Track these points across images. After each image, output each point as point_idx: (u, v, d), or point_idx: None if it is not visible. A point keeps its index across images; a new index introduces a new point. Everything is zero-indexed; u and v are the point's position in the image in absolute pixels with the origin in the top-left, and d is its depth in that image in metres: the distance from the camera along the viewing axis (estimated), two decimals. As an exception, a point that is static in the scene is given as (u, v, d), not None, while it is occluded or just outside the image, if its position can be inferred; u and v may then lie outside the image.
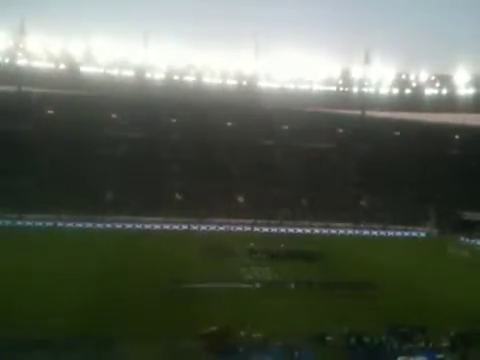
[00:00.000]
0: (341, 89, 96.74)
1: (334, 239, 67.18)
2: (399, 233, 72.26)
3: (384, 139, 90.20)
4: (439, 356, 26.82)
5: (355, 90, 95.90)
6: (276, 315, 32.84)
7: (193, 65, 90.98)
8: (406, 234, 72.50)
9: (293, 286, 40.24)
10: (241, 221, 70.37)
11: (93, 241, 55.09)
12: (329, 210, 73.17)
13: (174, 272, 40.01)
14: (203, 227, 68.50)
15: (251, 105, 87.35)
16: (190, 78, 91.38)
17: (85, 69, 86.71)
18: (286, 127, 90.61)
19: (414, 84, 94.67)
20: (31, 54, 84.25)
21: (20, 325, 28.76)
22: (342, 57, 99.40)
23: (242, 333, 27.51)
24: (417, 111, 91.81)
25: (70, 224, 65.28)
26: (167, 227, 67.34)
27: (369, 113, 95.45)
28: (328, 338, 28.52)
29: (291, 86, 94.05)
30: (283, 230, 70.40)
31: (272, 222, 71.44)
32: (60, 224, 65.05)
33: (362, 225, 73.31)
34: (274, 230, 70.25)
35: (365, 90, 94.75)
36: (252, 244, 54.73)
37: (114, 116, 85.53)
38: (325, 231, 71.26)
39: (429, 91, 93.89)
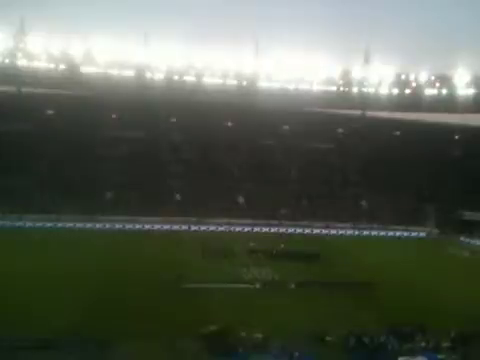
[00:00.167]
0: (341, 89, 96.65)
1: (334, 239, 67.18)
2: (399, 233, 72.19)
3: (384, 139, 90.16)
4: (439, 356, 26.84)
5: (355, 90, 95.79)
6: (276, 315, 32.86)
7: (193, 65, 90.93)
8: (406, 234, 72.45)
9: (293, 286, 40.28)
10: (241, 221, 70.34)
11: (93, 241, 55.07)
12: (329, 210, 73.20)
13: (174, 272, 40.04)
14: (203, 227, 68.43)
15: (251, 105, 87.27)
16: (190, 78, 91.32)
17: (85, 69, 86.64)
18: (286, 127, 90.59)
19: (414, 84, 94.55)
20: (31, 54, 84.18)
21: (21, 325, 28.77)
22: (342, 57, 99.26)
23: (242, 333, 27.54)
24: (417, 111, 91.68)
25: (70, 224, 65.20)
26: (167, 227, 67.24)
27: (369, 113, 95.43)
28: (328, 338, 28.56)
29: (291, 86, 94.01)
30: (283, 230, 70.38)
31: (272, 222, 71.41)
32: (60, 224, 64.98)
33: (362, 225, 73.21)
34: (274, 230, 70.24)
35: (365, 90, 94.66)
36: (252, 244, 54.81)
37: (114, 116, 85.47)
38: (325, 231, 71.22)
39: (429, 91, 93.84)
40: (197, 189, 73.42)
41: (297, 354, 25.81)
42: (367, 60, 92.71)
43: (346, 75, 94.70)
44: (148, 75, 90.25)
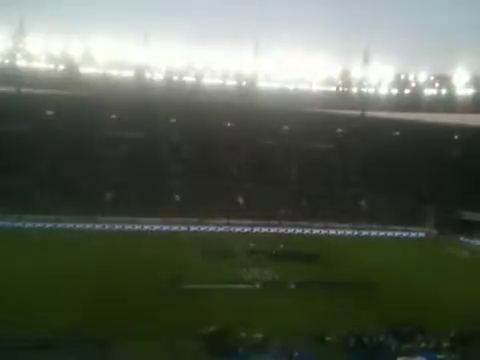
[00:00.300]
0: (341, 89, 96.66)
1: (334, 239, 67.19)
2: (398, 233, 72.18)
3: (384, 139, 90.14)
4: (439, 356, 26.86)
5: (355, 90, 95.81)
6: (276, 315, 32.88)
7: (193, 65, 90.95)
8: (405, 234, 72.45)
9: (293, 286, 40.31)
10: (241, 221, 70.34)
11: (93, 241, 55.07)
12: (329, 210, 73.20)
13: (174, 273, 40.05)
14: (203, 227, 68.41)
15: (251, 105, 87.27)
16: (190, 78, 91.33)
17: (85, 69, 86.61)
18: (286, 127, 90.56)
19: (413, 84, 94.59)
20: (30, 55, 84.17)
21: (21, 325, 28.79)
22: (342, 57, 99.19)
23: (242, 333, 27.57)
24: (417, 111, 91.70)
25: (70, 225, 65.17)
26: (167, 228, 67.21)
27: (369, 113, 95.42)
28: (328, 338, 28.59)
29: (291, 86, 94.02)
30: (283, 230, 70.38)
31: (272, 222, 71.41)
32: (60, 225, 64.97)
33: (361, 225, 73.21)
34: (274, 230, 70.24)
35: (365, 90, 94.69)
36: (252, 244, 54.83)
37: (114, 116, 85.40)
38: (325, 231, 71.23)
39: (428, 91, 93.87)
40: (197, 189, 73.42)
41: (297, 354, 25.84)
42: (367, 60, 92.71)
43: (346, 75, 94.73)
44: (148, 75, 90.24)
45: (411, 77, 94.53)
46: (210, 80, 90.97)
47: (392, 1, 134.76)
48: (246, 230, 68.89)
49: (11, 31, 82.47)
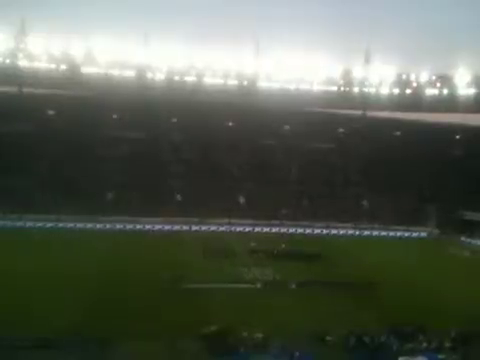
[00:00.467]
0: (342, 89, 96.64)
1: (335, 239, 67.15)
2: (400, 233, 72.12)
3: (385, 139, 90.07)
4: (440, 356, 26.82)
5: (356, 90, 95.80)
6: (277, 315, 32.86)
7: (194, 65, 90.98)
8: (407, 234, 72.39)
9: (294, 286, 40.28)
10: (242, 221, 70.33)
11: (94, 241, 55.09)
12: (330, 210, 73.14)
13: (175, 272, 40.04)
14: (204, 227, 68.41)
15: (252, 105, 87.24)
16: (191, 78, 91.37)
17: (86, 69, 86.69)
18: (287, 127, 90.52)
19: (415, 84, 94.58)
20: (32, 55, 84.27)
21: (21, 325, 28.80)
22: (343, 57, 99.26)
23: (243, 333, 27.55)
24: (418, 111, 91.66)
25: (71, 224, 65.20)
26: (168, 227, 67.22)
27: (370, 113, 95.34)
28: (328, 338, 28.56)
29: (292, 86, 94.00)
30: (284, 230, 70.35)
31: (273, 222, 71.38)
32: (61, 224, 65.00)
33: (363, 225, 73.14)
34: (275, 230, 70.21)
35: (366, 90, 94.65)
36: (253, 244, 54.82)
37: (115, 116, 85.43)
38: (326, 231, 71.19)
39: (430, 91, 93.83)
40: (198, 189, 73.39)
41: (297, 354, 25.83)
42: (368, 60, 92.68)
43: (347, 75, 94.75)
44: (149, 75, 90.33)
45: (412, 77, 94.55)
46: (211, 80, 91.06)
47: (393, 1, 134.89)
48: (247, 230, 68.89)
49: (12, 31, 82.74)
